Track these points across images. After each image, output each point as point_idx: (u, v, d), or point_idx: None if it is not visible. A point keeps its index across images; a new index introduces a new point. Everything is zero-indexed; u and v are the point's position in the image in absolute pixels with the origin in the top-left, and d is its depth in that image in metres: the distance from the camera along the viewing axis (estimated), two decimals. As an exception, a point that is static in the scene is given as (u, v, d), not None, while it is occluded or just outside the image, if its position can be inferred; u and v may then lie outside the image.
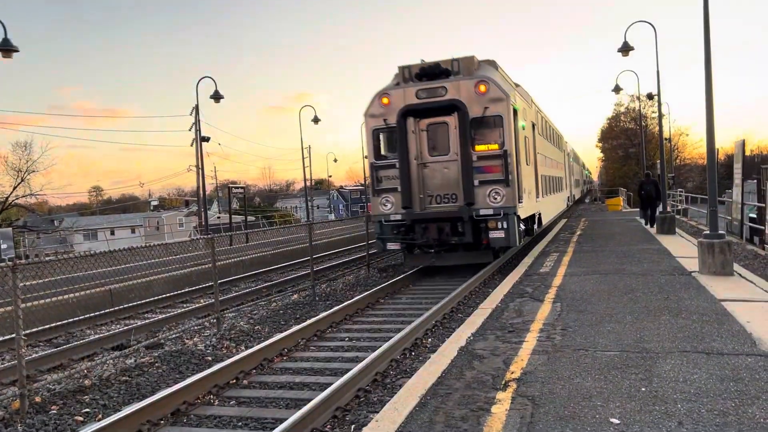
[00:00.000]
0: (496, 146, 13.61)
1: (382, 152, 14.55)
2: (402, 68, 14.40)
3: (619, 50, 20.50)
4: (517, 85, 16.93)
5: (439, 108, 13.75)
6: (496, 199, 13.55)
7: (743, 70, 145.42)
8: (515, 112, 14.17)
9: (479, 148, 13.66)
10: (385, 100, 14.21)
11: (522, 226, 14.62)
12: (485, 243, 13.79)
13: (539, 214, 18.08)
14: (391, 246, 14.45)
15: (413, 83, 14.05)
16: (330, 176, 79.91)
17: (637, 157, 55.63)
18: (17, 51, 15.96)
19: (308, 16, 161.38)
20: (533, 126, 18.05)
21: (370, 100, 14.51)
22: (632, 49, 20.54)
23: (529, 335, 7.23)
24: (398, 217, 14.07)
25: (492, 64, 15.14)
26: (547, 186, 21.39)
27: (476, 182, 13.54)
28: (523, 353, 6.46)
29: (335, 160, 64.25)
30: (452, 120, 13.80)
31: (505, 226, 13.47)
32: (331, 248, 24.97)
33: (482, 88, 13.53)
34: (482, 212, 13.51)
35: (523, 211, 14.70)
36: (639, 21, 20.94)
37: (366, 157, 17.67)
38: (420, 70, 14.04)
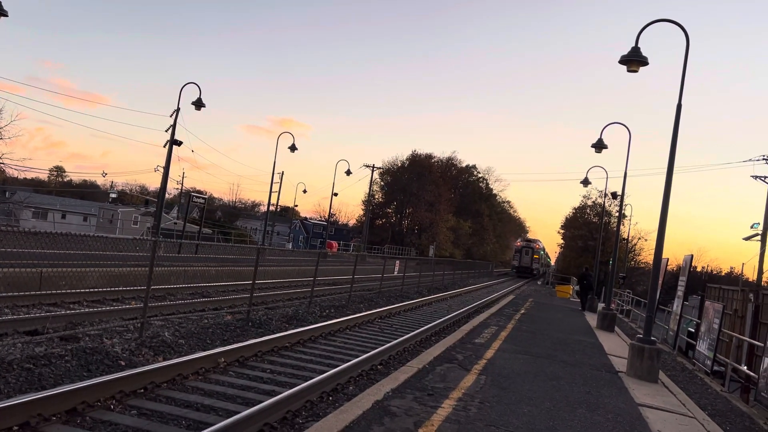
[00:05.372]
0: (538, 257, 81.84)
1: (515, 253, 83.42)
2: (521, 238, 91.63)
3: (593, 146, 21.20)
4: (539, 240, 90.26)
5: (529, 248, 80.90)
6: (536, 266, 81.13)
7: (710, 189, 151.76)
8: (541, 249, 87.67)
9: (535, 256, 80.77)
10: (518, 243, 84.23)
11: (540, 273, 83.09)
12: (533, 275, 79.28)
13: (542, 272, 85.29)
14: (514, 271, 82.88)
15: (523, 241, 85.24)
16: (296, 205, 79.15)
17: (594, 251, 56.97)
18: (6, 15, 15.61)
19: (313, 48, 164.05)
20: (542, 250, 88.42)
21: (516, 241, 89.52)
22: (606, 147, 21.27)
23: (447, 402, 7.20)
24: (517, 265, 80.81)
25: (538, 240, 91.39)
26: (542, 265, 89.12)
27: (534, 262, 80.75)
28: (436, 419, 6.42)
29: (305, 191, 63.84)
30: (530, 250, 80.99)
31: (537, 272, 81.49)
32: (278, 277, 24.68)
33: (537, 246, 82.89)
34: (533, 267, 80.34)
35: (541, 270, 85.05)
36: (615, 123, 21.77)
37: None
38: (526, 240, 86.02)
